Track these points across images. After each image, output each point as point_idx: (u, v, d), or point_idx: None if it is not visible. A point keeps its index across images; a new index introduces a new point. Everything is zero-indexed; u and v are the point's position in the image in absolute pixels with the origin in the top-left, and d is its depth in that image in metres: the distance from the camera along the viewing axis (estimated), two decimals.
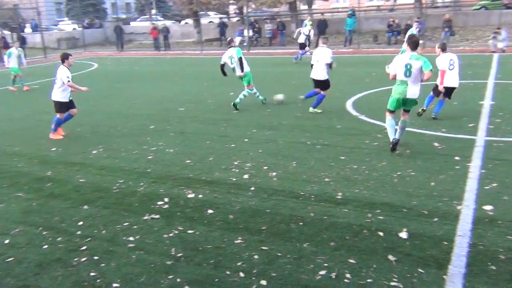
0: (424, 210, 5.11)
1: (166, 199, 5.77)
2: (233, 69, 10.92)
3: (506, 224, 4.68)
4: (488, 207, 5.08)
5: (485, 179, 5.90)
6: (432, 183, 5.85)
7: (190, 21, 37.67)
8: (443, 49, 9.01)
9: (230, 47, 10.96)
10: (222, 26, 32.55)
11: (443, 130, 8.22)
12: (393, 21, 26.08)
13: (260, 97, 11.33)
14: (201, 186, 6.18)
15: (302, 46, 19.99)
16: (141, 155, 7.71)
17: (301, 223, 4.95)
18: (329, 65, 10.15)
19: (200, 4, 31.98)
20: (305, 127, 8.94)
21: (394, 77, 7.12)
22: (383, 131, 8.37)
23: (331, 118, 9.55)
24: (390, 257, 4.17)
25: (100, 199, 5.92)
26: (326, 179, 6.18)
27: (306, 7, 34.00)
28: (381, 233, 4.64)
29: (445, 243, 4.37)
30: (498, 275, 3.82)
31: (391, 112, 7.31)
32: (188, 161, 7.25)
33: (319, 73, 10.24)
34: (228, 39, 11.57)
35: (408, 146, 7.39)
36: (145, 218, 5.28)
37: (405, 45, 8.72)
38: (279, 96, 11.49)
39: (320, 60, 10.19)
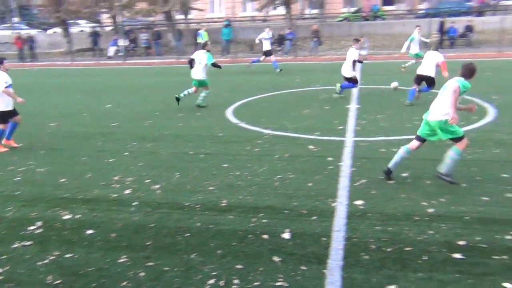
0: (304, 210, 5.39)
1: (39, 223, 5.31)
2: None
3: (375, 216, 5.13)
4: (359, 202, 5.53)
5: (355, 176, 6.42)
6: (310, 184, 6.20)
7: (59, 30, 35.33)
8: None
9: (204, 49, 11.82)
10: (95, 36, 31.09)
11: (317, 133, 8.77)
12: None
13: (182, 94, 11.96)
14: (79, 205, 5.80)
15: (268, 53, 19.44)
16: (8, 177, 7.01)
17: (187, 234, 4.90)
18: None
19: (68, 12, 30.19)
20: (187, 137, 8.91)
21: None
22: (263, 137, 8.69)
23: (213, 127, 9.65)
24: (275, 258, 4.32)
25: None
26: (210, 188, 6.22)
27: (182, 16, 33.99)
28: (265, 236, 4.79)
29: (324, 239, 4.66)
30: (371, 263, 4.18)
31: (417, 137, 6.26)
32: (63, 180, 6.77)
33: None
34: (202, 43, 12.56)
35: (287, 150, 7.75)
36: (15, 246, 4.79)
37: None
38: (395, 84, 12.92)
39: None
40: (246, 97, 12.86)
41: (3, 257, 4.58)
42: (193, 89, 12.05)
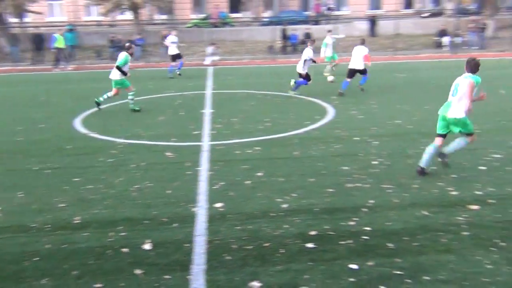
0: (164, 218, 5.31)
1: None
2: None
3: (234, 217, 5.29)
4: (219, 205, 5.64)
5: (213, 180, 6.53)
6: (169, 191, 6.13)
7: None
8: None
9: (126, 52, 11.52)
10: None
11: (173, 139, 8.72)
12: (114, 37, 26.21)
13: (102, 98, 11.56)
14: None
15: (177, 56, 18.36)
16: None
17: (36, 259, 4.46)
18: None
19: None
20: (29, 151, 8.12)
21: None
22: (117, 146, 8.34)
23: (59, 139, 8.94)
24: (137, 271, 4.18)
25: None
26: (61, 205, 5.75)
27: (17, 20, 30.84)
28: (125, 250, 4.60)
29: (186, 245, 4.65)
30: (233, 263, 4.29)
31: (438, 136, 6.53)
32: None
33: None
34: (127, 45, 12.04)
35: (143, 159, 7.55)
36: None
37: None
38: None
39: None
40: (94, 106, 12.18)
41: None
42: (113, 91, 11.50)
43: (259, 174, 6.69)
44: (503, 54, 23.57)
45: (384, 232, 4.81)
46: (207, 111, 11.36)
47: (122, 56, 11.33)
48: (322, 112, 10.76)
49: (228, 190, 6.12)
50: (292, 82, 13.28)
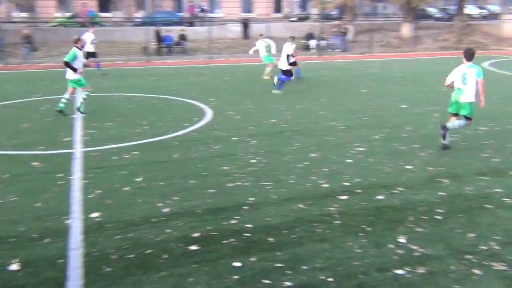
0: (34, 234, 4.87)
1: None
2: None
3: (113, 226, 5.05)
4: (95, 214, 5.34)
5: (88, 188, 6.17)
6: (38, 204, 5.65)
7: None
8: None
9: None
10: None
11: (41, 148, 8.05)
12: None
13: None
14: None
15: (93, 55, 17.96)
16: None
17: None
18: None
19: None
20: None
21: (450, 86, 7.92)
22: None
23: None
24: None
25: None
26: None
27: None
28: None
29: (61, 261, 4.33)
30: (114, 274, 4.10)
31: (453, 115, 7.98)
32: None
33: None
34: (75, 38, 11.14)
35: (6, 170, 6.85)
36: None
37: None
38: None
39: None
40: (61, 115, 10.73)
41: None
42: (69, 90, 10.93)
43: (138, 179, 6.48)
44: (363, 56, 25.96)
45: (264, 227, 4.99)
46: (79, 115, 10.68)
47: (70, 51, 10.59)
48: (200, 114, 10.80)
49: (105, 198, 5.83)
50: (275, 79, 13.44)
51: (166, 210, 5.47)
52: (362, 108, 11.36)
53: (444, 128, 7.79)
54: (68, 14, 34.15)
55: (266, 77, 16.29)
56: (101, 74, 17.59)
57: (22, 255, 4.44)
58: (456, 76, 7.71)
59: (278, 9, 42.87)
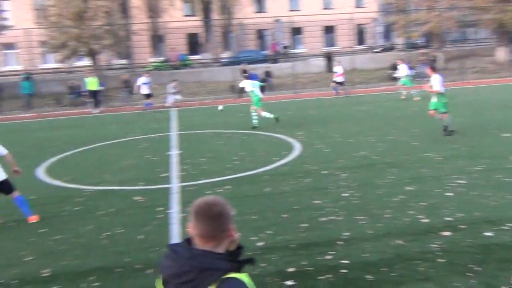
0: (138, 265, 5.15)
1: None
2: None
3: None
4: None
5: (185, 222, 6.39)
6: (141, 236, 5.98)
7: None
8: None
9: None
10: None
11: (141, 183, 8.57)
12: (73, 83, 25.93)
13: None
14: None
15: (148, 96, 20.94)
16: None
17: None
18: None
19: None
20: None
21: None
22: (84, 193, 8.12)
23: (22, 189, 8.56)
24: None
25: None
26: (28, 258, 5.50)
27: None
28: None
29: None
30: None
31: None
32: None
33: None
34: None
35: (111, 205, 7.36)
36: None
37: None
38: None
39: None
40: (58, 154, 11.88)
41: None
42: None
43: (231, 213, 6.61)
44: (455, 83, 24.78)
45: (361, 264, 4.83)
46: (174, 152, 11.27)
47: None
48: (289, 148, 10.89)
49: None
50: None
51: (260, 244, 5.52)
52: (457, 138, 10.77)
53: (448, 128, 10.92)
54: (161, 59, 36.65)
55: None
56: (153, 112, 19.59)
57: (128, 285, 4.70)
58: (440, 83, 10.91)
59: (361, 41, 42.65)
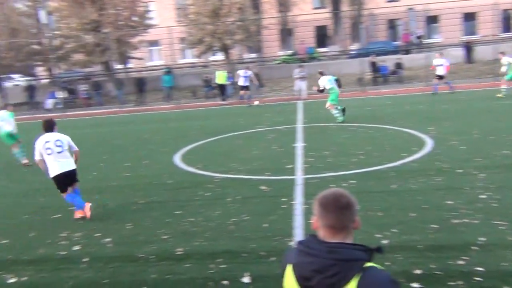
0: (262, 252, 5.34)
1: None
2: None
3: None
4: None
5: (308, 213, 6.48)
6: (265, 225, 6.19)
7: None
8: None
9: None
10: (31, 89, 30.15)
11: (267, 173, 8.84)
12: (207, 77, 27.60)
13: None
14: (24, 267, 5.43)
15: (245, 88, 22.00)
16: None
17: (144, 287, 4.70)
18: None
19: (1, 66, 29.20)
20: (136, 186, 8.68)
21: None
22: (214, 180, 8.64)
23: (162, 174, 9.47)
24: None
25: None
26: (164, 237, 6.04)
27: (121, 66, 33.82)
28: (225, 282, 4.68)
29: None
30: None
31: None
32: (4, 241, 6.33)
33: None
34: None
35: (239, 192, 7.73)
36: None
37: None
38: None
39: None
40: (193, 142, 12.81)
41: None
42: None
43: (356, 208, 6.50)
44: None
45: (499, 273, 4.42)
46: (299, 144, 11.41)
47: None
48: (419, 144, 10.32)
49: None
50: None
51: (384, 242, 5.34)
52: None
53: None
54: (289, 52, 37.19)
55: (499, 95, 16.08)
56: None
57: (253, 270, 4.90)
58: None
59: (507, 28, 38.43)
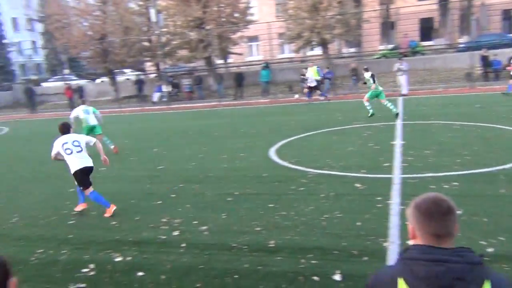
0: (354, 250, 5.25)
1: (91, 266, 5.42)
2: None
3: None
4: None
5: (405, 215, 6.20)
6: (358, 223, 6.06)
7: (106, 79, 37.15)
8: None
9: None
10: (140, 83, 32.42)
11: (363, 171, 8.63)
12: (303, 72, 27.52)
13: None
14: (129, 247, 5.89)
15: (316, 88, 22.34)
16: (61, 221, 7.25)
17: (236, 276, 4.86)
18: None
19: (115, 62, 31.74)
20: (232, 178, 8.97)
21: None
22: (308, 175, 8.64)
23: (257, 167, 9.68)
24: None
25: (18, 272, 5.41)
26: (257, 228, 6.18)
27: (221, 61, 35.03)
28: (316, 278, 4.67)
29: None
30: None
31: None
32: (114, 223, 6.92)
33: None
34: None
35: (332, 189, 7.65)
36: None
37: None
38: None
39: None
40: (288, 137, 12.91)
41: None
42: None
43: (458, 212, 6.11)
44: None
45: None
46: (398, 142, 10.97)
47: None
48: None
49: None
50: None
51: (490, 250, 4.97)
52: None
53: None
54: (390, 46, 35.81)
55: None
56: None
57: (344, 268, 4.83)
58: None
59: None
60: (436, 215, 1.84)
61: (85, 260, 5.59)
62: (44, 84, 43.10)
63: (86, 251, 5.90)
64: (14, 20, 60.65)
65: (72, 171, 7.35)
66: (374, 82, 15.56)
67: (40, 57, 60.03)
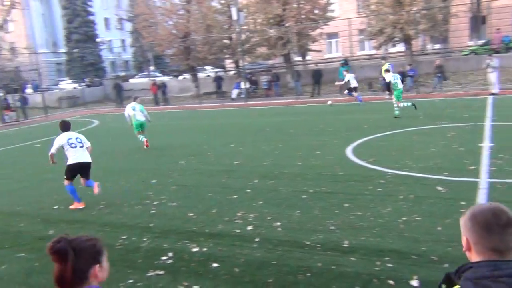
0: (434, 256, 5.02)
1: (170, 254, 5.67)
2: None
3: None
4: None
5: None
6: (439, 228, 5.78)
7: (188, 76, 38.56)
8: None
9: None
10: (219, 80, 33.25)
11: (445, 173, 8.20)
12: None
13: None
14: (205, 239, 6.09)
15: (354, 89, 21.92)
16: (144, 210, 7.65)
17: (308, 274, 4.84)
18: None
19: (197, 59, 32.80)
20: (307, 175, 8.94)
21: None
22: (386, 176, 8.38)
23: (333, 165, 9.56)
24: None
25: None
26: (331, 227, 6.11)
27: (300, 58, 34.91)
28: (391, 282, 4.53)
29: None
30: None
31: None
32: (191, 214, 7.19)
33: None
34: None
35: (411, 191, 7.36)
36: (149, 274, 5.16)
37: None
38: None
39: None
40: (365, 136, 12.59)
41: (139, 284, 4.95)
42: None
43: None
44: None
45: None
46: (486, 144, 10.29)
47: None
48: None
49: None
50: None
51: None
52: None
53: None
54: (480, 42, 33.62)
55: None
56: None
57: (421, 274, 4.64)
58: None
59: None
60: (495, 228, 1.69)
61: (164, 248, 5.86)
62: (131, 81, 45.66)
63: (165, 240, 6.19)
64: (106, 20, 64.88)
65: (69, 163, 8.13)
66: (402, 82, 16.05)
67: (128, 55, 63.73)
